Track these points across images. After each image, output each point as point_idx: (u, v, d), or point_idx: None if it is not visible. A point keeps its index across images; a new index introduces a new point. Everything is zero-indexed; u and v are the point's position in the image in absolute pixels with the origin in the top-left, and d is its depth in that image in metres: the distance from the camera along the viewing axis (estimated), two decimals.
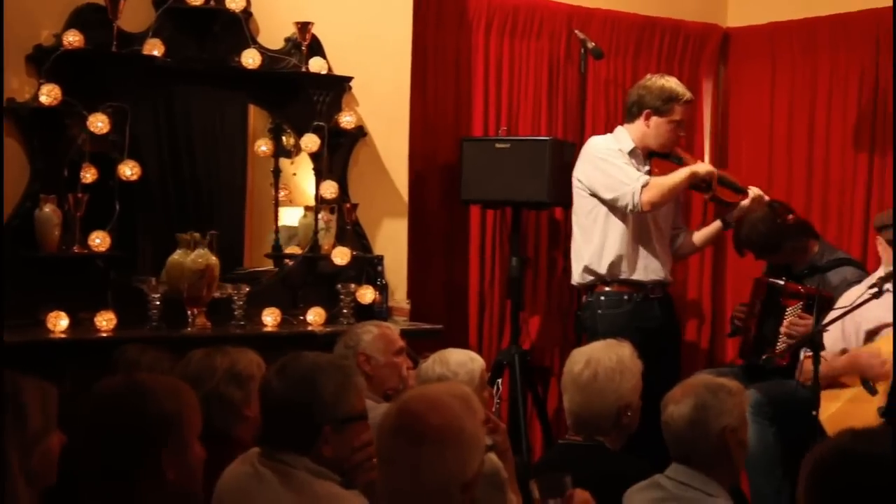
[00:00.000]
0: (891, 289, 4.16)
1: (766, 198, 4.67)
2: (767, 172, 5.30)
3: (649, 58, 5.49)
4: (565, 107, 5.35)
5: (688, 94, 4.58)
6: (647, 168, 4.58)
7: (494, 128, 5.21)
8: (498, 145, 4.90)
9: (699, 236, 4.82)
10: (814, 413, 4.00)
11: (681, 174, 4.50)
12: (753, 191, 4.64)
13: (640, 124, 4.58)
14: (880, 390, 4.01)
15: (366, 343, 3.67)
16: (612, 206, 4.51)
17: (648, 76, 4.69)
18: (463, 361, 3.29)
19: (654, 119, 4.55)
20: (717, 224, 4.77)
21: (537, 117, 5.31)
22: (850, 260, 4.74)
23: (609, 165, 4.50)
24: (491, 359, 5.09)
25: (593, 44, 5.03)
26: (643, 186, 4.40)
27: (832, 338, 4.08)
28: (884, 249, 4.26)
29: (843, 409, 4.10)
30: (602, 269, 4.56)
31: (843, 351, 4.20)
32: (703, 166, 4.58)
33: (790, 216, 4.71)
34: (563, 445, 3.17)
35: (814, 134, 5.27)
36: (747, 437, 2.82)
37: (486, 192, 4.93)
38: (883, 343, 4.07)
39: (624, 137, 4.61)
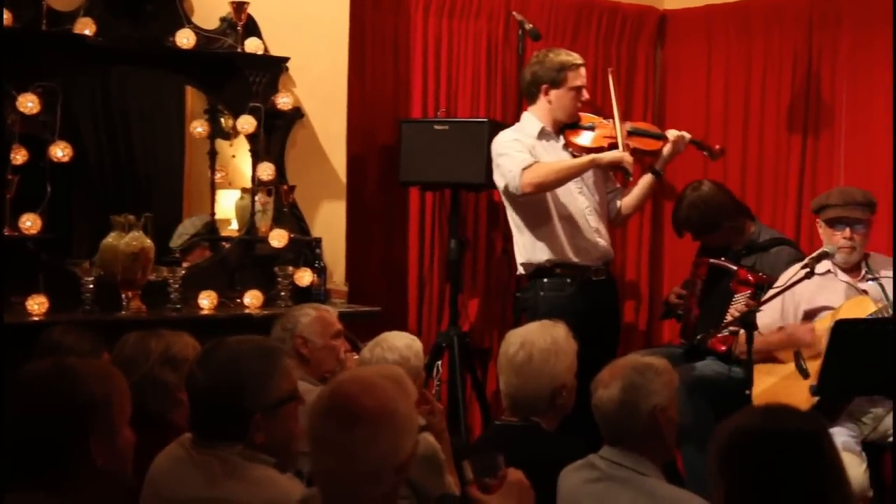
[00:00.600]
0: (831, 269, 4.25)
1: (688, 136, 4.62)
2: (704, 154, 5.33)
3: (587, 40, 5.50)
4: (504, 88, 5.35)
5: (578, 59, 4.57)
6: (561, 143, 4.58)
7: (433, 109, 5.20)
8: (436, 127, 4.90)
9: (634, 194, 4.75)
10: (747, 392, 4.07)
11: (579, 161, 4.46)
12: (672, 133, 4.59)
13: (542, 102, 4.58)
14: (812, 372, 4.09)
15: (303, 326, 3.65)
16: (507, 195, 4.50)
17: (535, 53, 4.70)
18: (408, 344, 3.32)
19: (553, 92, 4.55)
20: (648, 177, 4.71)
21: (476, 99, 5.31)
22: (787, 239, 4.81)
23: (500, 157, 4.49)
24: (430, 341, 5.11)
25: (531, 25, 5.03)
26: (524, 168, 4.37)
27: (771, 317, 4.16)
28: (823, 231, 4.33)
29: (777, 386, 4.17)
30: (541, 261, 4.56)
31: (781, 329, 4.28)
32: (608, 155, 4.48)
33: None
34: (499, 426, 3.18)
35: (749, 115, 5.32)
36: (676, 414, 2.83)
37: (424, 173, 4.93)
38: (818, 322, 4.16)
39: (530, 121, 4.61)
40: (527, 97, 4.68)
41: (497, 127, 4.85)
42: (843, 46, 4.98)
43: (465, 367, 4.98)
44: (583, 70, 4.60)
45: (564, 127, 4.62)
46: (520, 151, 4.46)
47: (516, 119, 4.98)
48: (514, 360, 3.07)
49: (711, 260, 4.69)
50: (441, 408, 3.28)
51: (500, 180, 4.52)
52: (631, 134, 4.61)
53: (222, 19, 4.51)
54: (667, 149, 4.59)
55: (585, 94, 4.61)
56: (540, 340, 3.05)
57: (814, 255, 4.16)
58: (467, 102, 5.29)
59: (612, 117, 4.60)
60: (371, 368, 2.52)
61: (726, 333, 4.43)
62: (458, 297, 5.07)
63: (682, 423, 4.39)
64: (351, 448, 1.97)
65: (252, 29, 4.51)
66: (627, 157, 4.46)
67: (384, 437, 1.99)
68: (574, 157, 4.57)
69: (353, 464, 1.98)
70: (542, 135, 4.58)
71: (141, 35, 4.32)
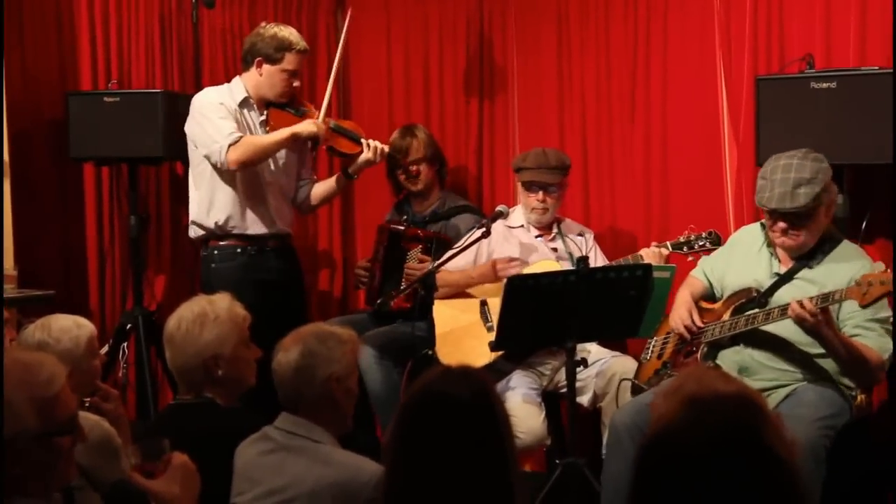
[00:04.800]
0: (524, 224, 4.43)
1: (386, 149, 4.62)
2: (388, 121, 5.38)
3: (266, 8, 5.40)
4: (181, 58, 5.19)
5: (301, 44, 4.51)
6: (262, 118, 4.50)
7: (105, 81, 4.98)
8: (107, 99, 4.70)
9: (322, 188, 4.73)
10: (430, 352, 4.18)
11: (280, 134, 4.40)
12: (371, 143, 4.57)
13: (253, 73, 4.48)
14: (494, 324, 4.25)
15: None
16: (209, 162, 4.40)
17: (263, 24, 4.60)
18: (67, 328, 3.11)
19: (267, 67, 4.46)
20: (340, 177, 4.69)
21: (151, 69, 5.12)
22: (469, 206, 4.94)
23: (205, 120, 4.37)
24: (115, 322, 4.94)
25: None
26: (231, 144, 4.29)
27: (465, 258, 4.32)
28: (521, 191, 4.49)
29: (460, 332, 4.31)
30: (210, 224, 4.46)
31: None
32: (307, 127, 4.43)
33: (413, 167, 4.79)
34: (174, 405, 3.08)
35: (429, 82, 5.40)
36: (356, 385, 2.83)
37: (97, 148, 4.74)
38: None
39: (237, 87, 4.51)
40: (242, 63, 4.56)
41: (173, 98, 4.71)
42: (511, 12, 5.16)
43: (154, 347, 4.82)
44: (303, 57, 4.53)
45: (271, 105, 4.53)
46: (224, 118, 4.34)
47: (195, 89, 4.84)
48: (166, 334, 2.99)
49: (391, 226, 4.76)
50: (116, 393, 3.16)
51: (199, 145, 4.39)
52: (333, 131, 4.57)
53: None
54: (363, 157, 4.56)
55: (298, 81, 4.53)
56: (188, 312, 2.97)
57: (492, 215, 4.32)
58: (142, 73, 5.09)
59: (320, 109, 4.55)
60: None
61: (401, 288, 4.53)
62: (143, 275, 4.91)
63: (372, 388, 4.52)
64: None
65: None
66: (322, 133, 4.44)
67: None
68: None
69: None
70: (245, 104, 4.48)
71: None
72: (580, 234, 4.53)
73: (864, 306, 3.35)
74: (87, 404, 2.98)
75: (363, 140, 4.59)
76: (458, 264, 4.34)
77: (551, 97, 5.04)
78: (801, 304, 3.39)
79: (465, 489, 1.87)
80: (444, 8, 5.33)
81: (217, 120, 4.35)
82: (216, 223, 4.44)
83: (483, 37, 5.24)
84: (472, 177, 5.32)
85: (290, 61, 4.47)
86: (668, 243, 4.21)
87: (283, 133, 4.41)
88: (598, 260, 4.44)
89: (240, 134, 4.34)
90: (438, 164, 4.93)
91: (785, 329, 3.59)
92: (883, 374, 3.64)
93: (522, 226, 4.48)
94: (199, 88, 4.81)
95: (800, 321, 3.41)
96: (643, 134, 4.80)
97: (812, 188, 3.52)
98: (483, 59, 5.26)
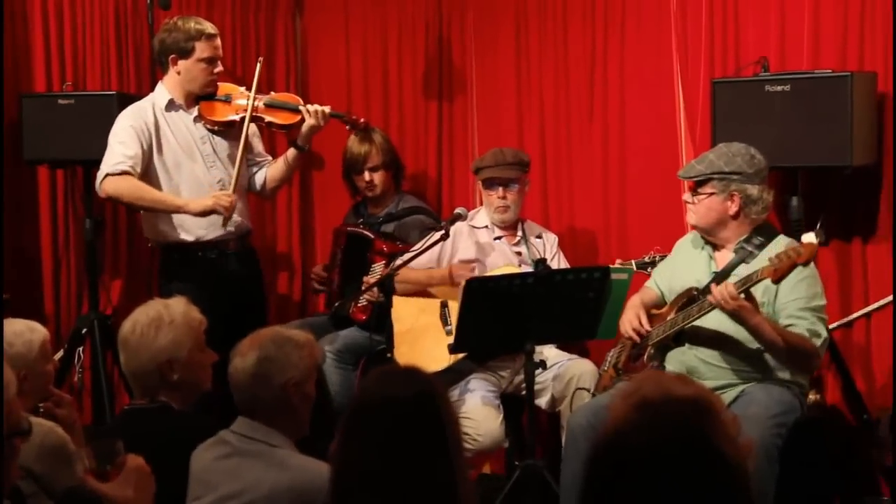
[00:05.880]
0: (489, 226, 4.43)
1: (327, 110, 4.49)
2: (347, 127, 5.36)
3: (223, 9, 5.35)
4: (137, 59, 5.14)
5: (209, 29, 4.38)
6: (195, 114, 4.44)
7: (59, 82, 4.94)
8: (61, 101, 4.67)
9: (275, 169, 4.60)
10: (389, 355, 4.18)
11: (170, 201, 4.27)
12: (310, 107, 4.45)
13: (172, 73, 4.39)
14: (454, 327, 4.25)
15: None
16: None
17: (165, 21, 4.51)
18: (20, 332, 3.07)
19: (182, 63, 4.36)
20: (291, 151, 4.56)
21: (106, 71, 5.08)
22: (422, 208, 4.92)
23: (109, 144, 4.29)
24: (71, 326, 4.89)
25: None
26: (112, 174, 4.19)
27: (428, 257, 4.32)
28: (483, 192, 4.49)
29: (416, 331, 4.30)
30: (161, 235, 4.41)
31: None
32: (199, 204, 4.22)
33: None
34: (128, 410, 3.05)
35: (388, 83, 5.39)
36: (313, 389, 2.81)
37: (52, 151, 4.70)
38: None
39: (160, 93, 4.43)
40: (159, 67, 4.49)
41: (127, 99, 4.65)
42: (469, 14, 5.17)
43: (111, 352, 4.78)
44: (217, 41, 4.42)
45: (200, 98, 4.47)
46: (122, 143, 4.24)
47: (151, 91, 4.79)
48: (121, 338, 2.97)
49: (349, 228, 4.75)
50: (70, 398, 3.13)
51: None
52: (268, 107, 4.49)
53: None
54: (306, 124, 4.46)
55: (219, 66, 4.44)
56: (143, 316, 2.94)
57: (450, 218, 4.31)
58: (97, 75, 5.05)
59: (250, 90, 4.46)
60: None
61: (365, 303, 4.52)
62: (98, 279, 4.86)
63: (332, 391, 4.50)
64: None
65: None
66: (222, 202, 4.21)
67: None
68: (207, 129, 4.43)
69: None
70: (171, 106, 4.40)
71: None
72: (542, 237, 4.54)
73: (776, 281, 3.36)
74: (40, 410, 2.95)
75: (301, 107, 4.47)
76: (418, 265, 4.33)
77: (510, 99, 5.05)
78: (721, 288, 3.41)
79: (410, 490, 1.87)
80: (403, 10, 5.33)
81: (115, 145, 4.26)
82: (167, 231, 4.38)
83: (442, 38, 5.24)
84: (431, 178, 5.31)
85: (202, 49, 4.35)
86: (633, 262, 4.20)
87: (174, 201, 4.28)
88: (560, 264, 4.44)
89: (125, 167, 4.20)
90: (395, 169, 4.91)
91: (727, 327, 3.60)
92: (818, 361, 3.66)
93: (486, 226, 4.48)
94: (154, 90, 4.78)
95: (721, 305, 3.42)
96: (601, 136, 4.83)
97: (711, 166, 3.61)
98: (442, 61, 5.26)
